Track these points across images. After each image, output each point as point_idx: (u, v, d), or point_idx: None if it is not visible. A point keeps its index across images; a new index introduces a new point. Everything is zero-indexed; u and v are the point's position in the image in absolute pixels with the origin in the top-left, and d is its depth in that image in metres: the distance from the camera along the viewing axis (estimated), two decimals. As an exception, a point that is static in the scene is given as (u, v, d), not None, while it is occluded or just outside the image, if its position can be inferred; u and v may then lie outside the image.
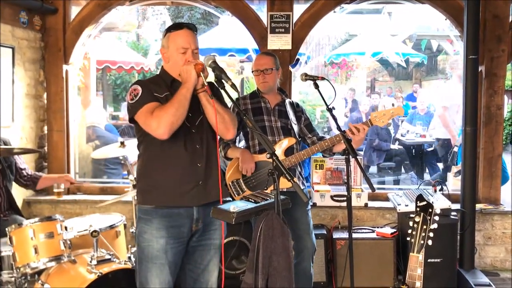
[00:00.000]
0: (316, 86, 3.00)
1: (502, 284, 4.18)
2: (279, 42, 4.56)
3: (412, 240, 2.29)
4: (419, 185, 4.98)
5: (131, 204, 3.69)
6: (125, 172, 5.71)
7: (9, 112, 4.32)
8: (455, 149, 6.21)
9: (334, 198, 4.32)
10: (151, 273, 2.43)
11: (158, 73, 2.62)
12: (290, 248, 2.19)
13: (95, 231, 3.03)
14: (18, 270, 2.95)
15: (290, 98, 3.71)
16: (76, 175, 5.06)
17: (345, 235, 4.07)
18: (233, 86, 2.29)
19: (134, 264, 3.04)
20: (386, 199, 4.40)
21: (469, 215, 4.00)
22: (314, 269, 3.43)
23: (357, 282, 3.29)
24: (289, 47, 4.56)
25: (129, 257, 3.33)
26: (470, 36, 3.93)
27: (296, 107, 3.46)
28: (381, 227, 4.22)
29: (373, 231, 4.12)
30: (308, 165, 4.73)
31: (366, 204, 4.39)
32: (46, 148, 4.85)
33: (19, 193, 4.15)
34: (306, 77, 3.03)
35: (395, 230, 4.10)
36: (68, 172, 4.86)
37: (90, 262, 2.98)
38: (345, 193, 2.89)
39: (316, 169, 4.58)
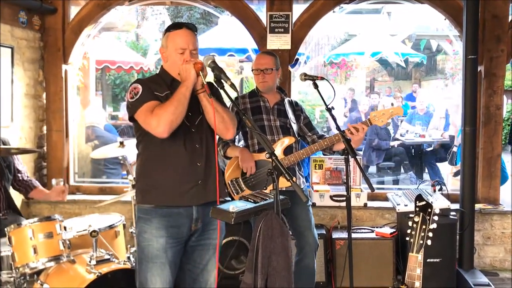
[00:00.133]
0: (316, 86, 3.00)
1: (501, 284, 4.18)
2: (279, 42, 4.56)
3: (411, 240, 2.29)
4: (418, 185, 4.98)
5: (130, 204, 3.69)
6: (124, 172, 5.71)
7: (8, 112, 4.32)
8: (454, 149, 6.22)
9: (334, 198, 4.32)
10: (152, 273, 2.43)
11: (157, 72, 2.62)
12: (289, 248, 2.19)
13: (94, 231, 3.02)
14: (17, 270, 2.95)
15: (289, 97, 3.71)
16: (75, 175, 5.06)
17: (344, 235, 4.07)
18: (232, 86, 2.29)
19: (134, 264, 3.04)
20: (386, 199, 4.41)
21: (468, 215, 4.00)
22: (314, 269, 3.42)
23: (356, 282, 3.29)
24: (288, 47, 4.56)
25: (128, 257, 3.32)
26: (469, 36, 3.93)
27: (295, 106, 3.46)
28: (380, 227, 4.22)
29: (373, 231, 4.12)
30: (308, 165, 4.73)
31: (365, 204, 4.39)
32: (45, 148, 4.85)
33: (18, 193, 4.14)
34: (305, 77, 3.04)
35: (395, 230, 4.10)
36: (68, 171, 4.86)
37: (89, 262, 2.97)
38: (345, 193, 2.89)
39: (315, 169, 4.58)
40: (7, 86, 4.30)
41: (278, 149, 3.23)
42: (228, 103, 2.64)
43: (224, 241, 3.71)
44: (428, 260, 3.63)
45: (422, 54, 11.84)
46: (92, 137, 5.89)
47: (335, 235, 4.10)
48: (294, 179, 2.16)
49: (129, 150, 3.58)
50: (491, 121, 4.43)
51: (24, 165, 3.75)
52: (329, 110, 2.93)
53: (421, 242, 2.27)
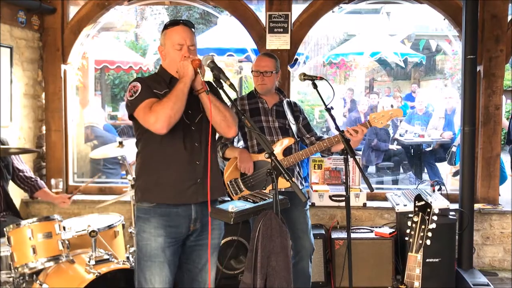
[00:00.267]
0: (315, 86, 3.00)
1: (500, 284, 4.19)
2: (278, 42, 4.56)
3: (411, 240, 2.29)
4: (417, 185, 4.99)
5: (129, 204, 3.69)
6: (124, 172, 5.71)
7: (7, 112, 4.32)
8: (453, 149, 6.22)
9: (333, 198, 4.32)
10: (151, 272, 2.43)
11: (156, 72, 2.63)
12: (288, 248, 2.19)
13: (93, 231, 3.02)
14: (16, 270, 2.95)
15: (288, 97, 3.71)
16: (75, 175, 5.05)
17: (343, 235, 4.07)
18: (232, 86, 2.29)
19: (133, 264, 3.04)
20: (385, 199, 4.41)
21: (467, 215, 4.00)
22: (313, 269, 3.43)
23: (355, 282, 3.30)
24: (287, 47, 4.56)
25: (128, 257, 3.32)
26: (469, 36, 3.93)
27: (294, 107, 3.46)
28: (379, 227, 4.22)
29: (372, 231, 4.12)
30: (307, 165, 4.73)
31: (364, 204, 4.39)
32: (44, 148, 4.84)
33: (17, 193, 4.14)
34: (304, 77, 3.03)
35: (394, 230, 4.10)
36: (67, 171, 4.86)
37: (89, 262, 2.97)
38: (344, 193, 2.89)
39: (314, 169, 4.58)
40: (6, 86, 4.30)
41: (278, 150, 3.23)
42: (227, 103, 2.64)
43: (223, 241, 3.71)
44: (427, 260, 3.63)
45: (421, 54, 11.84)
46: (91, 137, 5.89)
47: (334, 235, 4.10)
48: (293, 179, 2.15)
49: (128, 150, 3.58)
50: (490, 121, 4.44)
51: (25, 164, 3.75)
52: (328, 110, 2.94)
53: (420, 242, 2.27)
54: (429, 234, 2.26)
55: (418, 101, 8.30)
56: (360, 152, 7.11)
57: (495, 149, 4.46)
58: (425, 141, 7.21)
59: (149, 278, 2.43)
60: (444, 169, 6.95)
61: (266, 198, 2.32)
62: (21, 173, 3.63)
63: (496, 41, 4.39)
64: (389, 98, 10.85)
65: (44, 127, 4.85)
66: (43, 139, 4.84)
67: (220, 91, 2.41)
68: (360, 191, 4.40)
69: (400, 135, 7.51)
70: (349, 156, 2.86)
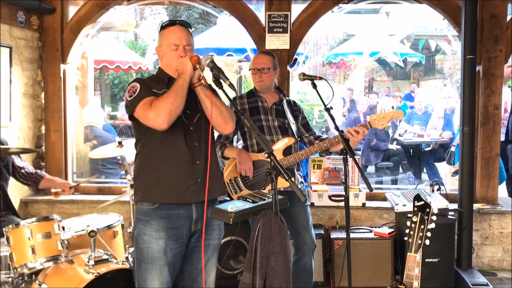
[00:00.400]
0: (314, 86, 3.00)
1: (499, 284, 4.19)
2: (277, 41, 4.56)
3: (410, 240, 2.29)
4: (416, 185, 4.99)
5: (128, 204, 3.68)
6: (123, 172, 5.70)
7: (7, 111, 4.32)
8: (452, 148, 6.23)
9: (332, 198, 4.32)
10: (151, 275, 2.42)
11: (155, 73, 2.63)
12: (288, 248, 2.19)
13: (92, 231, 3.02)
14: (15, 270, 2.95)
15: (288, 97, 3.71)
16: (74, 175, 5.05)
17: (343, 235, 4.07)
18: (231, 85, 2.30)
19: (132, 264, 3.04)
20: (384, 199, 4.41)
21: (466, 215, 4.01)
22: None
23: (354, 282, 3.30)
24: (287, 46, 4.56)
25: (127, 257, 3.32)
26: (468, 36, 3.94)
27: (293, 106, 3.46)
28: (378, 227, 4.22)
29: (371, 231, 4.12)
30: (306, 165, 4.73)
31: (364, 204, 4.39)
32: (43, 148, 4.84)
33: (16, 193, 4.15)
34: (304, 76, 3.04)
35: (393, 230, 4.11)
36: (66, 171, 4.86)
37: (88, 262, 2.97)
38: (343, 193, 2.89)
39: (314, 169, 4.58)
40: (6, 86, 4.29)
41: (277, 150, 3.23)
42: (227, 103, 2.64)
43: (223, 241, 3.70)
44: (426, 260, 3.64)
45: (420, 54, 11.85)
46: (91, 137, 5.89)
47: (334, 235, 4.10)
48: (292, 179, 2.15)
49: (128, 150, 3.58)
50: (489, 121, 4.44)
51: (25, 160, 3.76)
52: (328, 110, 2.94)
53: (420, 242, 2.27)
54: (428, 234, 2.26)
55: (417, 101, 8.30)
56: (360, 152, 7.11)
57: (494, 149, 4.47)
58: (424, 141, 7.22)
59: (148, 281, 2.42)
60: (443, 169, 6.96)
61: (266, 198, 2.33)
62: (22, 170, 3.65)
63: (496, 41, 4.39)
64: (389, 98, 10.84)
65: (43, 127, 4.84)
66: (42, 139, 4.84)
67: (220, 91, 2.41)
68: (360, 191, 4.41)
69: (400, 135, 7.51)
70: (348, 156, 2.86)
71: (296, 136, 3.35)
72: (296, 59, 4.88)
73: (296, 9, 4.67)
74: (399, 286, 2.31)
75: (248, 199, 2.34)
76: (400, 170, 7.55)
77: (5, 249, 3.00)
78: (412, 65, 15.00)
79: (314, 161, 4.56)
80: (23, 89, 4.57)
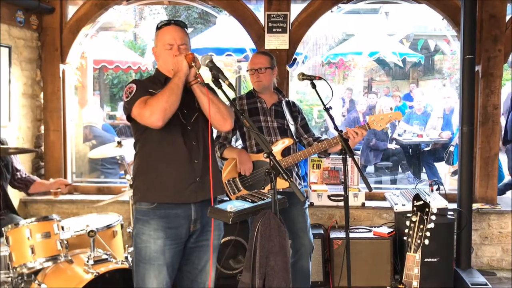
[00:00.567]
0: (313, 86, 3.00)
1: (498, 284, 4.19)
2: (277, 41, 4.56)
3: (409, 240, 2.29)
4: (416, 184, 4.99)
5: (128, 204, 3.68)
6: (122, 172, 5.70)
7: (6, 111, 4.31)
8: (451, 148, 6.23)
9: (331, 197, 4.33)
10: (149, 275, 2.42)
11: (153, 74, 2.63)
12: (287, 248, 2.19)
13: (92, 231, 3.02)
14: (14, 270, 2.94)
15: (287, 97, 3.71)
16: (73, 174, 5.05)
17: (342, 234, 4.07)
18: (230, 85, 2.30)
19: (131, 264, 3.04)
20: (383, 198, 4.41)
21: (465, 214, 4.01)
22: (311, 268, 3.43)
23: (354, 281, 3.30)
24: (286, 46, 4.56)
25: (126, 257, 3.32)
26: (467, 36, 3.94)
27: (293, 107, 3.46)
28: (378, 227, 4.23)
29: (370, 231, 4.12)
30: (305, 165, 4.73)
31: (363, 204, 4.40)
32: (42, 147, 4.84)
33: (16, 193, 4.14)
34: (303, 76, 3.04)
35: (392, 229, 4.11)
36: (65, 171, 4.86)
37: (87, 262, 2.97)
38: (342, 192, 2.90)
39: (313, 168, 4.58)
40: (5, 85, 4.29)
41: (276, 150, 3.23)
42: (226, 103, 2.64)
43: (222, 240, 3.70)
44: (425, 260, 3.64)
45: (419, 54, 11.85)
46: (90, 137, 5.88)
47: (333, 234, 4.10)
48: (291, 179, 2.15)
49: (127, 149, 3.59)
50: (488, 120, 4.45)
51: (22, 164, 3.75)
52: (327, 110, 2.94)
53: (419, 241, 2.27)
54: (428, 233, 2.26)
55: (416, 101, 8.31)
56: (359, 152, 7.11)
57: (494, 148, 4.47)
58: (423, 141, 7.22)
59: (147, 281, 2.42)
60: (443, 168, 6.97)
61: (265, 198, 2.32)
62: (17, 173, 3.63)
63: (495, 41, 4.39)
64: (388, 98, 10.85)
65: (42, 127, 4.84)
66: (41, 139, 4.84)
67: (219, 91, 2.41)
68: (359, 191, 4.41)
69: (399, 135, 7.52)
70: (347, 156, 2.86)
71: (294, 137, 3.35)
72: (295, 59, 4.88)
73: (296, 9, 4.67)
74: (399, 286, 2.31)
75: (247, 199, 2.34)
76: (400, 170, 7.55)
77: (4, 248, 3.00)
78: (411, 65, 15.01)
79: (313, 161, 4.56)
80: (22, 89, 4.57)
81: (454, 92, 7.69)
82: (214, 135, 3.29)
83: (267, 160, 2.20)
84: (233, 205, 2.21)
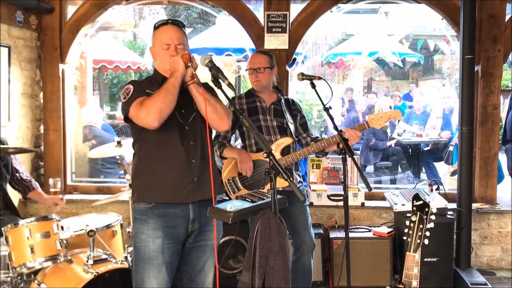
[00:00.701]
0: (313, 86, 3.00)
1: (498, 283, 4.20)
2: (276, 41, 4.56)
3: (409, 240, 2.29)
4: (415, 184, 4.99)
5: (127, 204, 3.68)
6: (122, 172, 5.70)
7: (5, 111, 4.31)
8: (451, 148, 6.23)
9: (331, 197, 4.33)
10: (148, 274, 2.42)
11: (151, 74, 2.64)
12: (287, 247, 2.19)
13: (91, 230, 3.02)
14: (14, 270, 2.94)
15: (287, 96, 3.71)
16: (73, 174, 5.05)
17: (341, 234, 4.07)
18: (230, 85, 2.29)
19: (131, 264, 3.04)
20: (383, 198, 4.41)
21: (465, 214, 4.01)
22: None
23: (353, 281, 3.30)
24: (286, 46, 4.56)
25: (126, 257, 3.32)
26: (466, 36, 3.94)
27: (292, 105, 3.46)
28: (377, 227, 4.23)
29: (370, 231, 4.12)
30: (305, 164, 4.73)
31: (362, 204, 4.40)
32: (42, 147, 4.84)
33: (15, 193, 4.13)
34: (303, 76, 3.04)
35: (392, 229, 4.11)
36: (65, 171, 4.85)
37: (87, 261, 2.97)
38: (342, 192, 2.90)
39: (313, 168, 4.58)
40: (4, 85, 4.29)
41: (276, 150, 3.23)
42: (225, 103, 2.64)
43: (221, 240, 3.71)
44: (425, 260, 3.64)
45: (419, 54, 11.85)
46: (89, 137, 5.88)
47: (333, 234, 4.10)
48: (291, 178, 2.15)
49: (127, 149, 3.59)
50: (488, 120, 4.45)
51: (22, 164, 3.75)
52: (327, 110, 2.94)
53: (418, 241, 2.27)
54: (427, 233, 2.27)
55: (416, 101, 8.31)
56: (358, 152, 7.12)
57: (493, 148, 4.47)
58: (423, 141, 7.22)
59: (146, 280, 2.42)
60: (442, 168, 6.97)
61: (265, 198, 2.32)
62: (17, 174, 3.63)
63: (494, 41, 4.40)
64: (388, 97, 10.86)
65: (42, 127, 4.84)
66: (41, 139, 4.83)
67: (219, 90, 2.41)
68: (358, 191, 4.41)
69: (398, 135, 7.52)
70: (347, 156, 2.86)
71: (294, 136, 3.35)
72: (295, 59, 4.88)
73: (295, 9, 4.67)
74: (398, 286, 2.31)
75: (247, 199, 2.34)
76: (399, 169, 7.56)
77: (4, 248, 3.00)
78: (411, 65, 15.02)
79: (313, 160, 4.56)
80: (21, 88, 4.57)
81: (453, 92, 7.70)
82: (214, 135, 3.29)
83: (267, 159, 2.20)
84: (232, 205, 2.21)
